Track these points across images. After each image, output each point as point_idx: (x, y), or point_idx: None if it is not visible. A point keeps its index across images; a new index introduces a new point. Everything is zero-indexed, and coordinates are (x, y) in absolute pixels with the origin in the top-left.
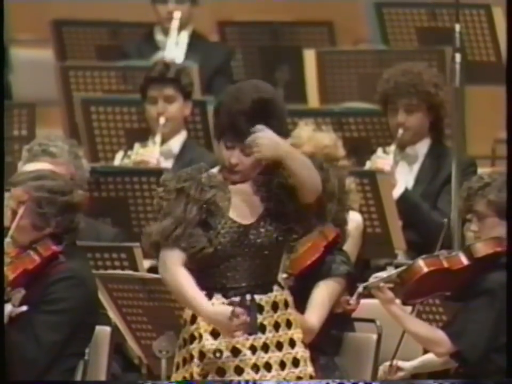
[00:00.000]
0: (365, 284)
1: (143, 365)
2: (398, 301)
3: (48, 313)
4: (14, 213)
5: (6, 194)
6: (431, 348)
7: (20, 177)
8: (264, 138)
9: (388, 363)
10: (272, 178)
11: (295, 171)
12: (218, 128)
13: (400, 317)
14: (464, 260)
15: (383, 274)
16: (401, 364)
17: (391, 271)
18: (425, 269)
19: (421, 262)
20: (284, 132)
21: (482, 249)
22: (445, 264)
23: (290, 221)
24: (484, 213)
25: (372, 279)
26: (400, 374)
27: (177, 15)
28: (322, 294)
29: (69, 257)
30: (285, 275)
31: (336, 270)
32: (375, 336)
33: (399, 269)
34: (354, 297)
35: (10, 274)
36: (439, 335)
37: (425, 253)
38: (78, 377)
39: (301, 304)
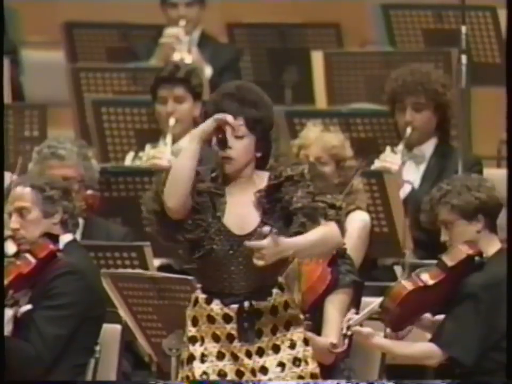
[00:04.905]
0: (347, 323)
1: (153, 362)
2: (379, 334)
3: (49, 308)
4: (19, 210)
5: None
6: (424, 362)
7: (14, 182)
8: (269, 248)
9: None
10: (274, 193)
11: (306, 258)
12: (208, 116)
13: (386, 346)
14: (440, 273)
15: (363, 310)
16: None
17: (370, 306)
18: (405, 291)
19: (398, 286)
20: (271, 124)
21: (454, 257)
22: (422, 282)
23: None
24: (450, 220)
25: (354, 316)
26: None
27: (182, 22)
28: (335, 310)
29: (68, 254)
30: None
31: (343, 280)
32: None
33: (378, 300)
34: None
35: (6, 278)
36: (430, 348)
37: (433, 252)
38: (89, 374)
39: (314, 318)
